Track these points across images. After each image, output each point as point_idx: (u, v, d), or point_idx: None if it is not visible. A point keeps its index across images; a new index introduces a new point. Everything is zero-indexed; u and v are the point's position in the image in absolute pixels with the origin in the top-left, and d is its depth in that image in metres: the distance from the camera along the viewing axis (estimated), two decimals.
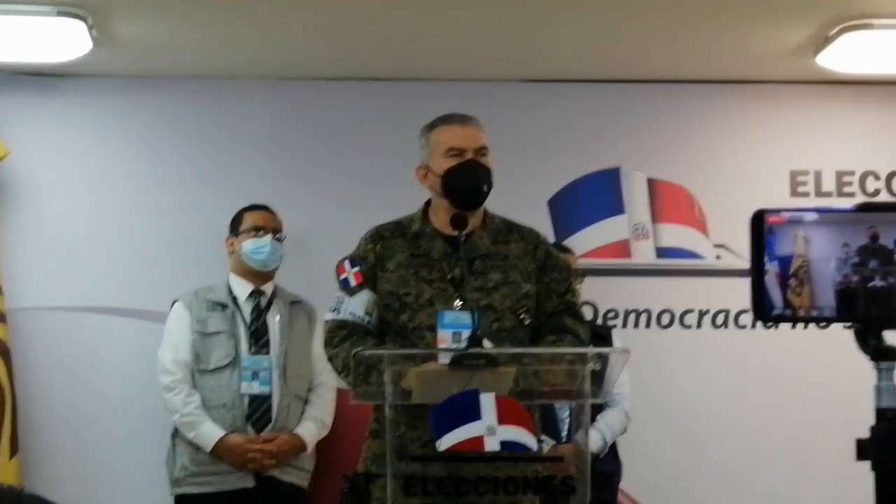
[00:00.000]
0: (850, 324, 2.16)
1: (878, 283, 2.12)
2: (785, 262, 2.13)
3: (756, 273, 2.11)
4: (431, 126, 4.27)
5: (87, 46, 5.64)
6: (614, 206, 6.35)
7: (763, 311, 2.13)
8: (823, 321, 2.12)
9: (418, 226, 4.25)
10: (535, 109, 6.33)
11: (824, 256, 2.13)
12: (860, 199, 6.40)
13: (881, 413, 2.10)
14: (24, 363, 5.99)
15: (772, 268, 2.12)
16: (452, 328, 4.10)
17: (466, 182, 4.17)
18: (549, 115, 6.34)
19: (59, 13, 5.32)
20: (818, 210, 2.08)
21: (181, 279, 5.92)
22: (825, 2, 5.33)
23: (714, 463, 6.26)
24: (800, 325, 6.23)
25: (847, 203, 6.25)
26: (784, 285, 2.12)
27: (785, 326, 6.27)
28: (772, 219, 2.12)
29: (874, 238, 2.14)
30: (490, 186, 4.19)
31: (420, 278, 4.18)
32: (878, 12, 5.44)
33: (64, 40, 5.61)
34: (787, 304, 2.13)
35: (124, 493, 5.99)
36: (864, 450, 2.10)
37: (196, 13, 5.49)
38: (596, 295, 6.20)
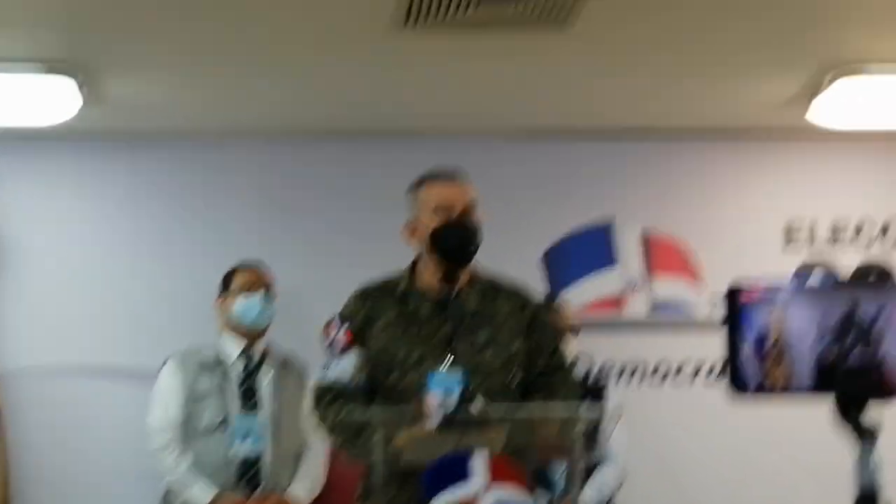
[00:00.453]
0: (828, 399, 2.13)
1: (856, 357, 2.10)
2: (760, 336, 2.11)
3: (731, 348, 2.09)
4: (419, 183, 4.25)
5: (77, 105, 5.64)
6: (608, 259, 6.34)
7: (739, 386, 2.10)
8: (801, 395, 2.09)
9: (406, 284, 4.22)
10: (528, 163, 6.32)
11: (801, 332, 2.11)
12: (854, 250, 6.38)
13: (862, 490, 2.07)
14: (14, 425, 5.95)
15: (747, 343, 2.09)
16: (442, 387, 4.05)
17: (454, 242, 4.14)
18: (541, 169, 6.33)
19: (49, 70, 5.32)
20: (794, 286, 2.06)
21: (172, 338, 5.90)
22: (816, 50, 5.32)
23: None
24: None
25: (842, 254, 6.30)
26: (761, 360, 2.09)
27: None
28: (747, 295, 2.10)
29: (851, 311, 2.11)
30: (478, 245, 4.16)
31: (409, 337, 4.15)
32: (870, 59, 5.41)
33: (54, 99, 5.60)
34: (763, 379, 2.10)
35: None
36: None
37: (185, 72, 5.50)
38: (590, 350, 6.16)
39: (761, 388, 2.10)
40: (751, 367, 2.07)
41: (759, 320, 2.09)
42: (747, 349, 2.08)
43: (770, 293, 2.08)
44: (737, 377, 2.09)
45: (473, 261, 4.21)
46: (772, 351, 2.07)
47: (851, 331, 2.09)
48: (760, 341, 2.09)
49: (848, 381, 2.08)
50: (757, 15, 4.93)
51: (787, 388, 2.09)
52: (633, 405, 5.80)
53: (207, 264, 5.97)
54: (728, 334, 2.11)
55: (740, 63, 5.48)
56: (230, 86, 5.66)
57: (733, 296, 2.10)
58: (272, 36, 5.08)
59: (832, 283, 2.15)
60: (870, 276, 1.87)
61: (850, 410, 2.09)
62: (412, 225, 4.22)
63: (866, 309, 2.10)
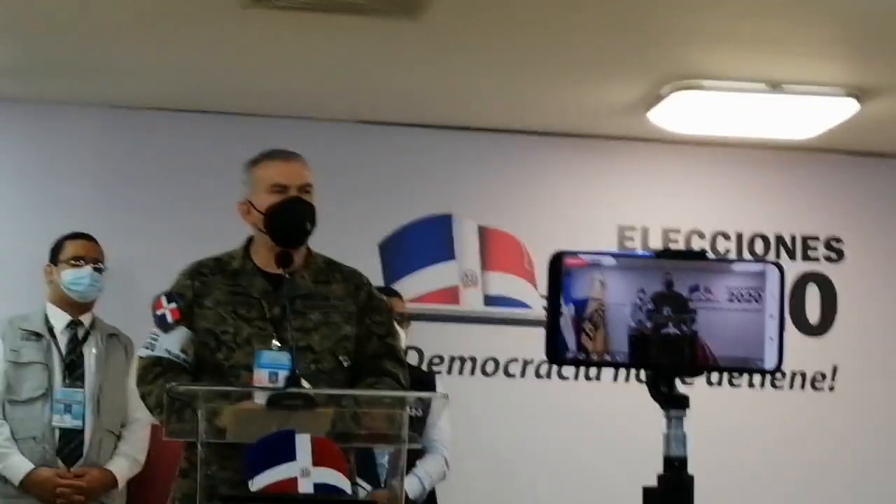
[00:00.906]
0: (641, 370, 2.16)
1: (671, 330, 2.13)
2: (581, 305, 2.13)
3: (551, 315, 2.11)
4: (254, 161, 4.21)
5: None
6: (445, 252, 6.37)
7: (556, 354, 2.12)
8: (616, 366, 2.12)
9: (239, 263, 4.18)
10: (369, 152, 6.33)
11: (620, 301, 2.13)
12: None
13: (669, 461, 2.11)
14: None
15: (567, 310, 2.11)
16: (269, 368, 4.03)
17: (289, 219, 4.11)
18: (382, 159, 6.35)
19: None
20: (616, 254, 2.09)
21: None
22: (658, 62, 5.44)
23: None
24: (621, 376, 6.33)
25: None
26: (578, 328, 2.12)
27: (607, 379, 6.37)
28: (570, 261, 2.12)
29: (669, 285, 2.14)
30: (314, 224, 4.14)
31: (238, 316, 4.11)
32: (709, 73, 5.56)
33: None
34: (580, 347, 2.12)
35: None
36: (651, 498, 2.10)
37: (22, 37, 5.38)
38: (422, 340, 6.20)
39: (577, 358, 2.12)
40: (569, 336, 2.09)
41: (581, 288, 2.11)
42: (567, 316, 2.10)
43: (593, 261, 2.11)
44: (554, 345, 2.11)
45: (307, 242, 4.19)
46: (590, 319, 2.09)
47: (668, 303, 2.12)
48: (580, 309, 2.11)
49: (661, 355, 2.11)
50: (603, 26, 5.03)
51: (602, 358, 2.11)
52: (463, 397, 5.83)
53: (38, 231, 5.85)
54: (549, 301, 2.12)
55: (583, 68, 5.56)
56: (69, 52, 5.56)
57: (557, 261, 2.12)
58: (121, 7, 5.00)
59: (653, 255, 2.17)
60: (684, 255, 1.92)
61: (661, 383, 2.12)
62: (247, 202, 4.18)
63: (683, 283, 2.14)
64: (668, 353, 2.12)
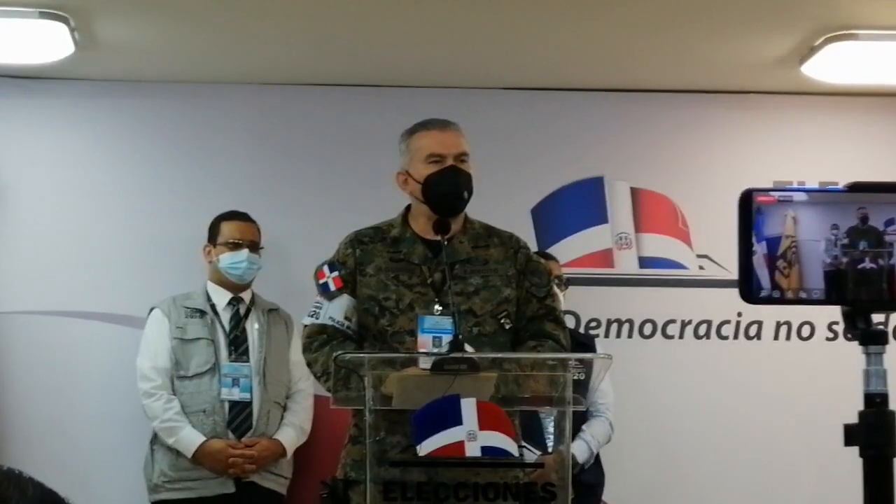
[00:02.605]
0: (838, 306, 2.11)
1: (867, 265, 2.08)
2: (773, 242, 2.09)
3: (743, 253, 2.07)
4: (411, 131, 4.24)
5: (69, 49, 5.60)
6: (597, 215, 6.32)
7: (750, 292, 2.08)
8: (811, 303, 2.08)
9: (398, 230, 4.22)
10: (519, 117, 6.30)
11: (813, 237, 2.09)
12: None
13: (870, 398, 2.06)
14: (4, 367, 5.93)
15: (759, 248, 2.07)
16: (433, 333, 4.07)
17: (447, 189, 4.14)
18: (532, 124, 6.31)
19: (41, 15, 5.27)
20: (807, 190, 2.04)
21: (160, 285, 5.89)
22: (810, 12, 5.32)
23: (694, 474, 6.23)
24: (782, 336, 6.21)
25: None
26: (772, 266, 2.07)
27: (768, 337, 6.27)
28: (760, 198, 2.07)
29: (864, 219, 2.09)
30: (471, 193, 4.16)
31: (400, 283, 4.14)
32: (863, 23, 5.43)
33: (46, 42, 5.56)
34: (774, 285, 2.08)
35: (102, 499, 5.91)
36: (851, 435, 2.05)
37: (179, 17, 5.45)
38: (578, 304, 6.17)
39: (772, 296, 2.08)
40: (763, 274, 2.05)
41: (772, 225, 2.07)
42: (759, 255, 2.06)
43: (784, 197, 2.06)
44: (748, 284, 2.07)
45: (464, 210, 4.20)
46: (784, 257, 2.05)
47: (863, 238, 2.07)
48: (773, 247, 2.07)
49: (858, 290, 2.06)
50: None
51: (797, 296, 2.07)
52: (621, 360, 5.77)
53: (197, 210, 5.93)
54: (740, 239, 2.09)
55: (734, 22, 5.47)
56: (225, 31, 5.61)
57: (747, 199, 2.08)
58: None
59: (846, 188, 2.12)
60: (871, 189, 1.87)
61: (859, 319, 2.08)
62: (404, 172, 4.20)
63: (878, 216, 2.08)
64: (866, 289, 2.07)
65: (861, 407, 2.11)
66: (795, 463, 6.20)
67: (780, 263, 2.06)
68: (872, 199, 2.09)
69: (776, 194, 2.07)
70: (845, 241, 2.07)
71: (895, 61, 5.77)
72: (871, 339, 2.05)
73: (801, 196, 2.08)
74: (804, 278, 2.07)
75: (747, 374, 6.25)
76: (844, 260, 2.07)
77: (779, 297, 2.08)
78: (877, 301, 2.07)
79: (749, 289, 2.07)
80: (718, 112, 6.39)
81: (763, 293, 2.07)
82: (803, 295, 2.07)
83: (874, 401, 2.04)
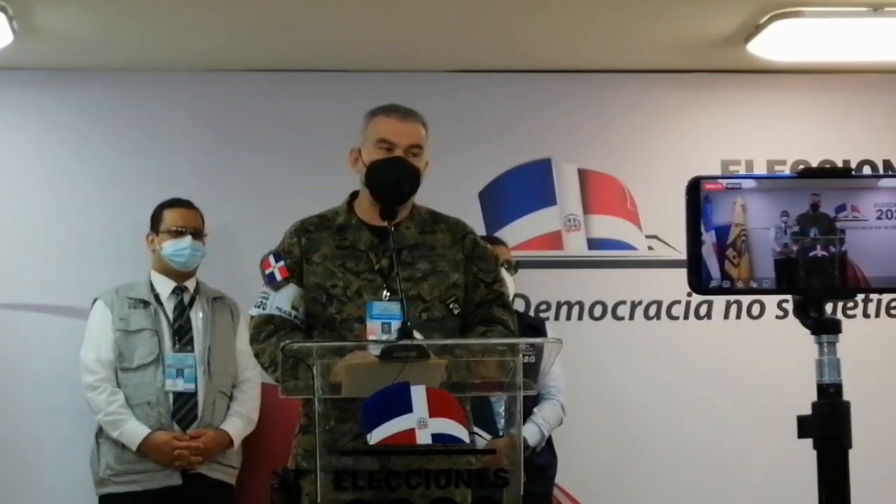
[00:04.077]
0: (789, 296, 2.08)
1: (818, 252, 2.04)
2: (722, 231, 2.05)
3: (692, 243, 2.03)
4: (373, 113, 4.21)
5: (8, 38, 5.52)
6: (545, 197, 6.30)
7: (700, 283, 2.04)
8: (762, 293, 2.04)
9: (343, 218, 4.19)
10: (465, 100, 6.27)
11: (763, 225, 2.05)
12: None
13: (823, 388, 2.02)
14: None
15: (709, 238, 2.04)
16: (381, 319, 4.03)
17: (386, 177, 4.10)
18: (478, 106, 6.29)
19: None
20: (756, 177, 2.01)
21: (104, 275, 5.82)
22: None
23: (647, 455, 6.23)
24: (732, 315, 6.25)
25: None
26: (721, 256, 2.04)
27: (718, 316, 6.30)
28: (708, 185, 2.04)
29: (815, 206, 2.06)
30: (413, 187, 4.12)
31: (347, 270, 4.11)
32: (808, 0, 5.41)
33: None
34: (724, 275, 2.05)
35: (48, 493, 5.88)
36: (805, 427, 2.02)
37: (119, 4, 5.39)
38: (528, 287, 6.15)
39: (722, 286, 2.04)
40: (712, 264, 2.02)
41: (721, 213, 2.03)
42: (708, 244, 2.02)
43: (733, 184, 2.03)
44: (697, 274, 2.04)
45: (407, 202, 4.16)
46: (733, 246, 2.01)
47: (814, 225, 2.04)
48: (722, 236, 2.03)
49: (810, 278, 2.03)
50: None
51: (748, 285, 2.03)
52: (572, 342, 5.75)
53: (139, 199, 5.86)
54: (688, 229, 2.05)
55: (679, 2, 5.45)
56: (166, 18, 5.54)
57: (694, 187, 2.04)
58: None
59: (796, 175, 2.08)
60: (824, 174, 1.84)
61: (811, 308, 2.04)
62: (357, 151, 4.17)
63: (829, 202, 2.05)
64: (817, 277, 2.04)
65: (813, 392, 2.08)
66: (748, 441, 6.23)
67: (730, 252, 2.02)
68: (823, 185, 2.06)
69: (724, 182, 2.03)
70: (796, 228, 2.04)
71: (840, 38, 5.76)
72: (825, 328, 2.02)
73: (750, 183, 2.05)
74: (754, 267, 2.04)
75: (698, 353, 6.26)
76: (795, 248, 2.04)
77: (729, 288, 2.04)
78: (829, 289, 2.04)
79: (699, 279, 2.04)
80: (665, 92, 6.38)
81: (713, 283, 2.04)
82: (754, 284, 2.04)
83: (828, 391, 2.01)
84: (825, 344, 2.04)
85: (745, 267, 2.04)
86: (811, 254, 2.04)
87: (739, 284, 2.05)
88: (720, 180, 2.03)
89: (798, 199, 2.06)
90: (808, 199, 2.05)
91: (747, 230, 2.05)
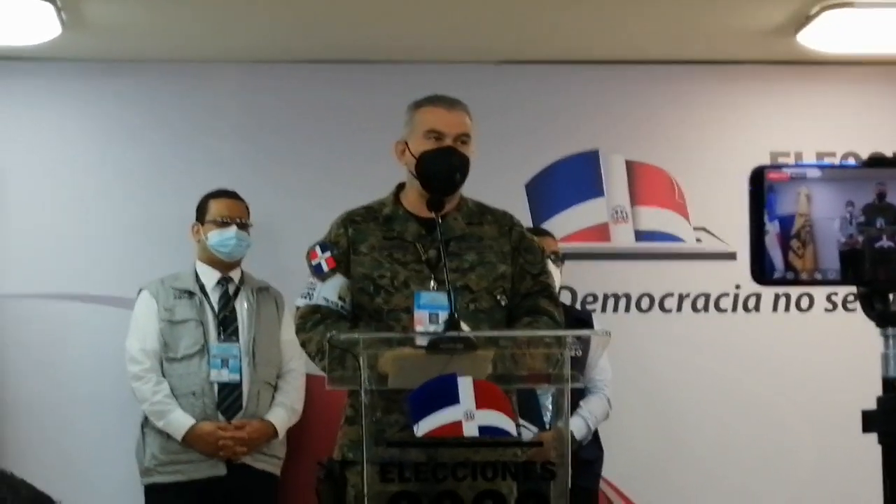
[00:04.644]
0: (854, 287, 2.03)
1: (885, 243, 2.00)
2: (786, 221, 2.01)
3: (755, 233, 1.99)
4: (418, 104, 4.20)
5: (57, 30, 5.53)
6: (593, 189, 6.25)
7: (763, 273, 2.00)
8: (827, 284, 2.00)
9: (390, 209, 4.18)
10: (513, 92, 6.23)
11: (828, 216, 2.01)
12: None
13: (889, 382, 1.98)
14: None
15: (772, 228, 1.99)
16: (429, 309, 4.02)
17: (438, 167, 4.09)
18: (526, 98, 6.24)
19: None
20: (822, 166, 1.96)
21: (148, 265, 5.83)
22: None
23: (694, 448, 6.19)
24: (781, 307, 6.18)
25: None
26: (785, 246, 2.00)
27: (767, 308, 6.23)
28: (772, 175, 1.99)
29: (881, 196, 2.01)
30: (464, 176, 4.12)
31: (394, 260, 4.11)
32: None
33: (33, 23, 5.50)
34: (788, 266, 2.01)
35: (93, 483, 5.87)
36: (870, 421, 1.97)
37: None
38: (575, 279, 6.11)
39: (786, 277, 2.01)
40: (776, 254, 1.98)
41: (785, 203, 1.99)
42: (772, 234, 1.98)
43: (797, 174, 1.99)
44: (760, 265, 2.00)
45: (457, 192, 4.14)
46: (797, 236, 1.97)
47: (880, 215, 1.99)
48: (786, 226, 1.99)
49: (875, 270, 1.99)
50: None
51: (812, 276, 1.99)
52: (619, 335, 5.71)
53: (186, 190, 5.84)
54: (752, 219, 2.01)
55: None
56: (214, 8, 5.54)
57: (758, 176, 2.00)
58: None
59: (862, 164, 2.03)
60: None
61: (876, 300, 2.00)
62: (403, 143, 4.16)
63: None
64: (883, 268, 1.99)
65: (863, 383, 2.04)
66: (795, 435, 6.17)
67: (794, 243, 1.98)
68: (890, 174, 2.01)
69: (789, 171, 1.99)
70: (861, 218, 2.00)
71: (891, 29, 5.69)
72: (891, 320, 1.98)
73: (815, 172, 2.00)
74: (819, 258, 1.99)
75: (746, 346, 6.21)
76: (860, 238, 2.00)
77: (793, 279, 2.00)
78: (894, 280, 2.00)
79: (762, 270, 1.99)
80: (714, 83, 6.32)
81: (776, 274, 2.00)
82: (818, 276, 1.99)
83: (893, 385, 1.96)
84: (891, 337, 2.00)
85: (810, 258, 2.00)
86: (877, 244, 1.99)
87: (804, 275, 2.01)
88: (785, 169, 1.99)
89: (864, 189, 2.01)
90: (874, 189, 2.01)
91: (812, 220, 2.01)
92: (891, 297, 2.00)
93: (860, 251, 1.99)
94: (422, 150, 4.09)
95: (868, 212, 2.00)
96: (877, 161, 2.02)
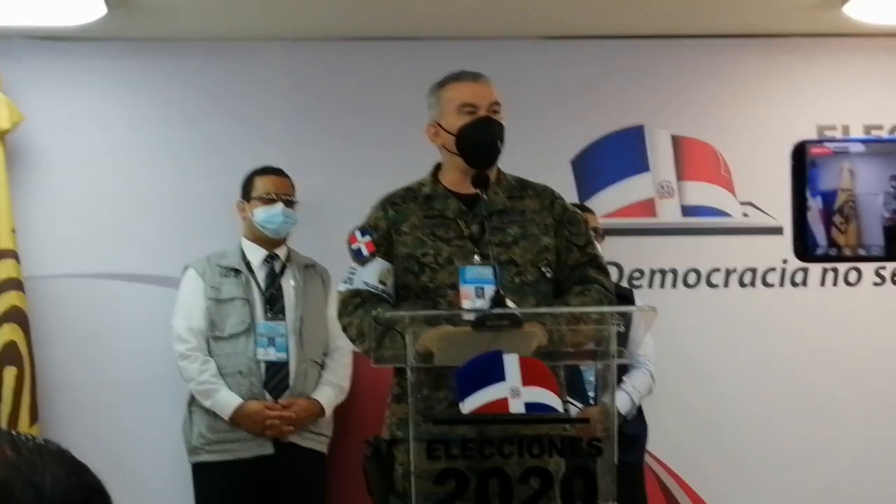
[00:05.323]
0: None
1: None
2: (829, 197, 1.99)
3: (798, 209, 1.97)
4: (442, 84, 4.21)
5: (102, 10, 5.55)
6: (638, 164, 6.22)
7: (806, 250, 1.99)
8: (870, 260, 1.99)
9: (429, 188, 4.18)
10: (555, 68, 6.20)
11: (871, 191, 1.99)
12: None
13: None
14: (41, 331, 5.89)
15: (814, 203, 1.98)
16: (475, 283, 4.02)
17: (481, 138, 4.11)
18: (569, 74, 6.21)
19: None
20: (865, 140, 1.95)
21: (195, 243, 5.82)
22: None
23: (739, 424, 6.16)
24: (829, 283, 6.15)
25: None
26: (828, 222, 1.98)
27: (815, 284, 6.20)
28: (815, 150, 1.98)
29: None
30: (503, 143, 4.11)
31: (437, 238, 4.11)
32: None
33: (78, 2, 5.51)
34: (831, 242, 1.99)
35: (142, 461, 5.90)
36: None
37: None
38: (621, 255, 6.09)
39: (829, 254, 1.99)
40: (818, 230, 1.96)
41: (828, 179, 1.98)
42: (814, 210, 1.97)
43: (840, 148, 1.97)
44: (803, 241, 1.98)
45: (498, 161, 4.14)
46: (840, 212, 1.96)
47: None
48: (829, 202, 1.98)
49: None
50: None
51: (855, 252, 1.98)
52: (665, 311, 5.68)
53: (230, 168, 5.83)
54: (794, 194, 1.99)
55: None
56: None
57: (800, 151, 1.99)
58: None
59: None
60: None
61: None
62: (435, 124, 4.15)
63: None
64: None
65: None
66: (843, 411, 6.13)
67: (837, 219, 1.97)
68: None
69: (831, 146, 1.97)
70: None
71: None
72: None
73: (858, 147, 1.99)
74: (862, 234, 1.98)
75: (794, 321, 6.16)
76: None
77: (836, 255, 1.99)
78: None
79: (804, 246, 1.98)
80: (758, 57, 6.26)
81: (819, 250, 1.98)
82: (862, 251, 1.98)
83: None
84: None
85: (853, 233, 1.98)
86: None
87: (847, 251, 1.99)
88: (827, 144, 1.97)
89: None
90: None
91: (855, 196, 1.99)
92: None
93: None
94: (458, 125, 4.09)
95: None
96: None
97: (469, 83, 4.14)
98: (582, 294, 4.09)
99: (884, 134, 6.23)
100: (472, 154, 4.11)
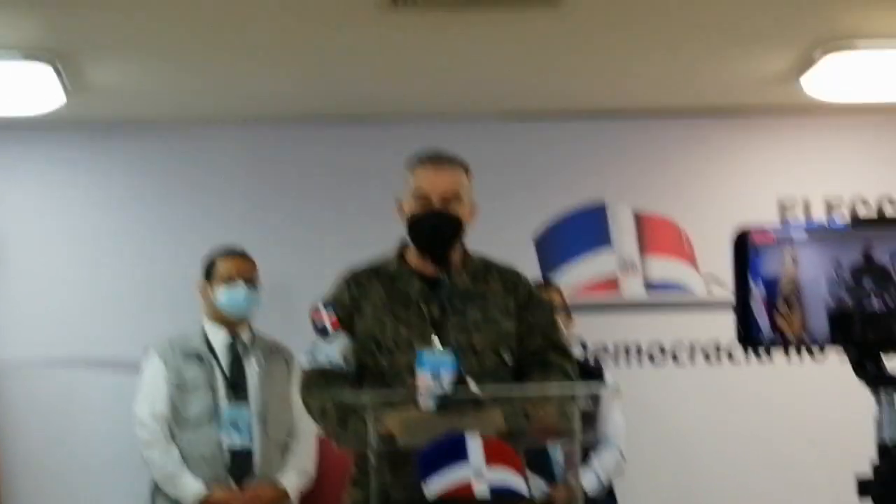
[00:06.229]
0: (844, 349, 2.00)
1: (874, 304, 1.97)
2: (772, 284, 1.98)
3: (741, 296, 1.96)
4: (411, 163, 4.16)
5: (61, 99, 5.56)
6: (601, 240, 6.24)
7: (749, 338, 1.98)
8: (815, 346, 1.97)
9: (394, 266, 4.13)
10: (517, 146, 6.24)
11: (815, 277, 1.98)
12: None
13: (884, 449, 1.94)
14: (1, 417, 5.84)
15: (757, 291, 1.97)
16: (432, 368, 3.96)
17: (425, 232, 4.04)
18: (530, 152, 6.25)
19: (27, 57, 5.20)
20: (807, 227, 1.94)
21: (159, 325, 5.82)
22: (808, 24, 5.23)
23: (713, 497, 6.14)
24: (795, 357, 6.14)
25: None
26: (771, 309, 1.97)
27: (781, 359, 6.20)
28: (757, 237, 1.97)
29: (868, 255, 1.99)
30: (454, 235, 4.05)
31: (398, 319, 4.05)
32: (862, 32, 5.33)
33: (35, 89, 5.51)
34: (775, 328, 1.98)
35: None
36: (865, 487, 1.93)
37: (167, 57, 5.40)
38: (585, 331, 6.08)
39: (774, 340, 1.98)
40: (762, 318, 1.95)
41: (771, 266, 1.97)
42: (758, 298, 1.96)
43: (782, 236, 1.96)
44: (748, 329, 1.97)
45: (451, 250, 4.10)
46: (784, 299, 1.95)
47: (868, 275, 1.97)
48: (772, 289, 1.97)
49: (866, 331, 1.96)
50: None
51: (801, 339, 1.96)
52: (631, 387, 5.71)
53: (193, 250, 5.83)
54: (736, 282, 1.98)
55: (730, 39, 5.40)
56: (214, 70, 5.57)
57: (742, 240, 1.98)
58: (257, 18, 4.97)
59: (848, 224, 2.01)
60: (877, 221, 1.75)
61: (867, 362, 1.97)
62: (401, 203, 4.14)
63: (883, 251, 1.97)
64: (873, 329, 1.96)
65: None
66: (813, 486, 6.10)
67: (781, 306, 1.96)
68: (877, 233, 1.99)
69: (774, 233, 1.97)
70: (849, 279, 1.97)
71: (894, 74, 5.67)
72: (882, 382, 1.95)
73: (801, 234, 1.98)
74: (807, 320, 1.97)
75: (760, 396, 6.17)
76: (849, 299, 1.97)
77: (780, 342, 1.98)
78: (885, 342, 1.96)
79: (747, 333, 1.97)
80: (719, 132, 6.33)
81: (763, 337, 1.97)
82: (806, 338, 1.97)
83: (889, 452, 1.92)
84: (883, 400, 1.96)
85: (797, 321, 1.97)
86: (866, 305, 1.96)
87: (791, 338, 1.98)
88: (769, 232, 1.96)
89: (851, 249, 1.98)
90: (861, 248, 1.98)
91: (798, 282, 1.98)
92: (882, 358, 1.97)
93: (849, 313, 1.96)
94: (410, 212, 4.07)
95: (856, 272, 1.97)
96: (862, 221, 1.99)
97: (429, 170, 4.07)
98: (543, 377, 4.05)
99: (844, 207, 6.28)
100: (418, 244, 4.08)
